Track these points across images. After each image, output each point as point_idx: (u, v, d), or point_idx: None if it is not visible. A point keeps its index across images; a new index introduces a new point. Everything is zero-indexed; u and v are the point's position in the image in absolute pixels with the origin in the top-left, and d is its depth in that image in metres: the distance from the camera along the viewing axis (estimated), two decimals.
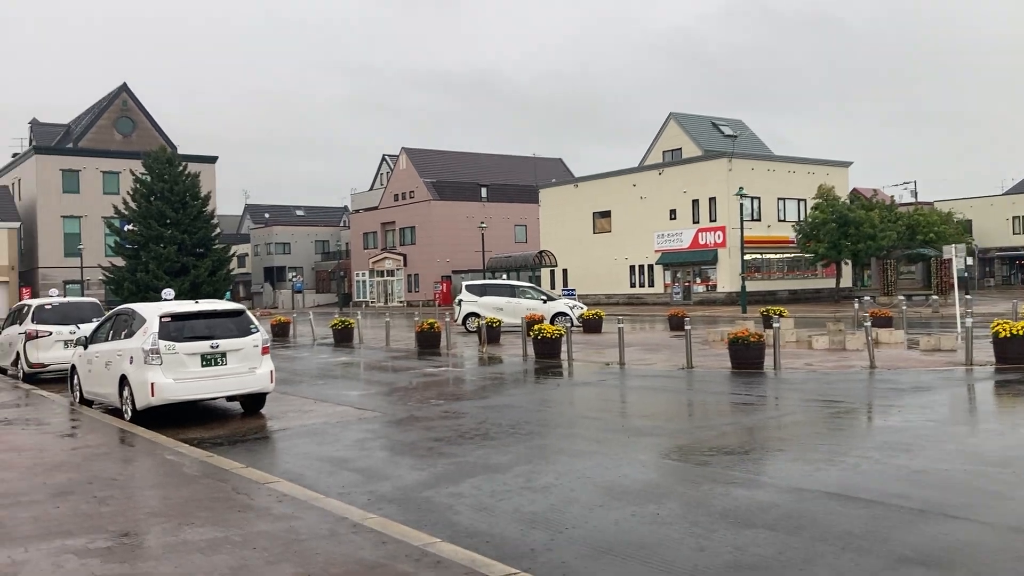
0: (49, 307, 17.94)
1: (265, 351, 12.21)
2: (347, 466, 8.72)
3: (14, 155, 79.86)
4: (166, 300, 12.99)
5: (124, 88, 75.00)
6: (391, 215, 76.07)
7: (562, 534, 6.07)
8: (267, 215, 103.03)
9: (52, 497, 7.03)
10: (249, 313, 12.38)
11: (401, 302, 72.85)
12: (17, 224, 69.88)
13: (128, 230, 55.25)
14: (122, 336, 12.22)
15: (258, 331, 12.19)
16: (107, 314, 13.34)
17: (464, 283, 29.64)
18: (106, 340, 12.73)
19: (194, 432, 11.04)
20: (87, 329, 17.94)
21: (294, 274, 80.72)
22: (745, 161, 49.54)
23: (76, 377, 13.82)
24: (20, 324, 18.04)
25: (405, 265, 73.49)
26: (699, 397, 13.37)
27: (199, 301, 12.34)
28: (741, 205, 40.76)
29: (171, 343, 11.43)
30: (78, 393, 13.75)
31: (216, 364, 11.68)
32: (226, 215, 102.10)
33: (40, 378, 17.65)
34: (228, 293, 56.96)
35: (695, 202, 49.84)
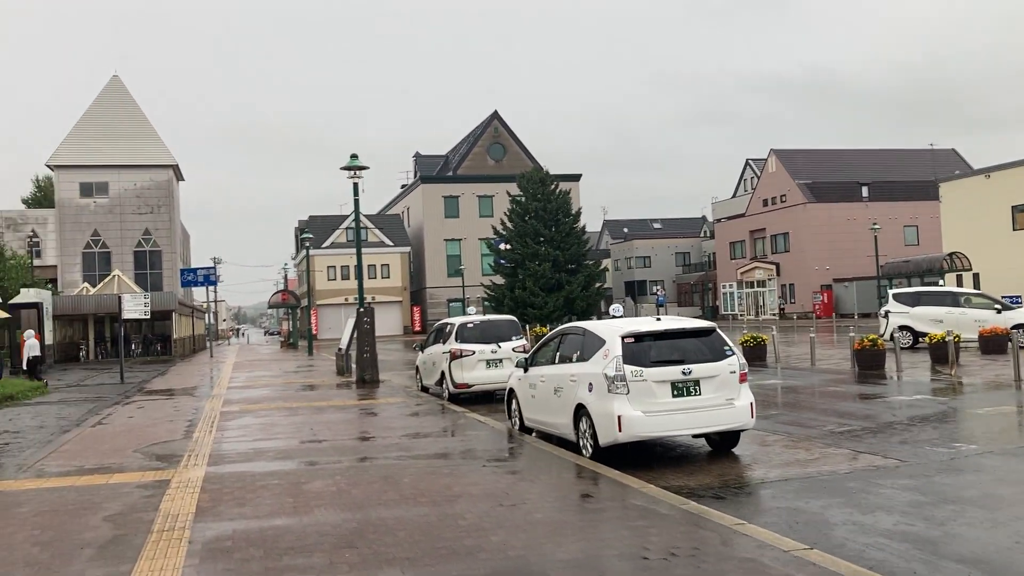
0: (471, 325, 17.41)
1: (743, 379, 9.96)
2: (941, 551, 6.07)
3: (402, 186, 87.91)
4: (615, 317, 11.29)
5: (495, 116, 79.16)
6: (760, 222, 71.92)
7: None
8: (625, 229, 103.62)
9: None
10: (721, 332, 10.22)
11: (774, 314, 68.33)
12: (408, 249, 76.39)
13: (504, 249, 57.34)
14: (572, 359, 10.67)
15: (734, 354, 9.98)
16: (550, 333, 11.99)
17: (891, 291, 25.57)
18: (552, 363, 11.31)
19: (671, 477, 9.07)
20: (507, 348, 17.21)
21: (657, 287, 79.53)
22: None
23: (515, 402, 12.66)
24: (443, 343, 17.73)
25: (778, 274, 68.92)
26: None
27: (660, 318, 10.44)
28: None
29: (637, 368, 9.58)
30: (517, 419, 12.56)
31: (688, 394, 9.65)
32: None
33: (462, 398, 17.13)
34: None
35: None
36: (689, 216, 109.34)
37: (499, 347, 17.09)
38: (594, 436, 9.84)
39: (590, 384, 9.96)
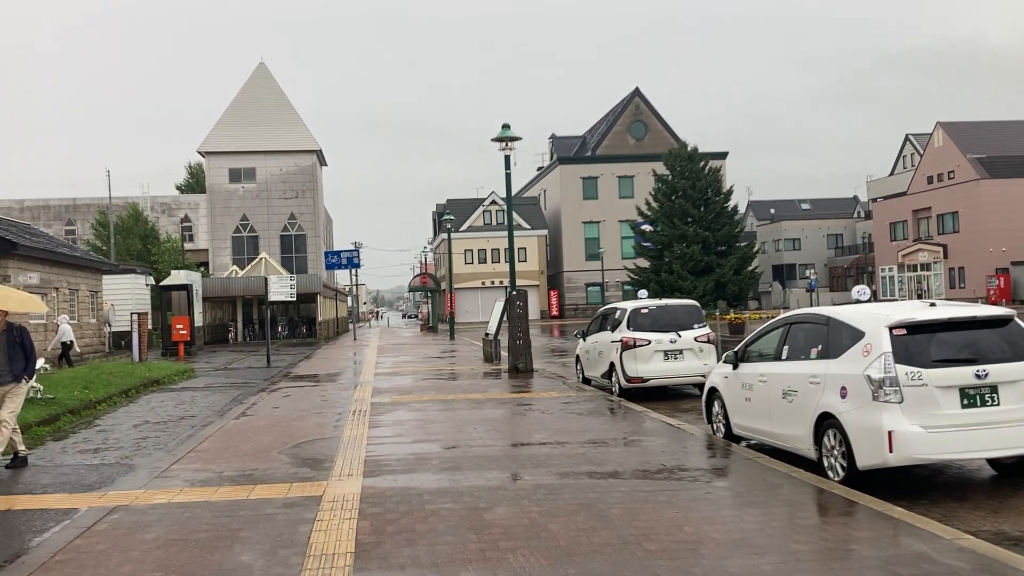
0: (645, 311, 15.27)
1: None
2: None
3: (538, 169, 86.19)
4: (860, 301, 8.93)
5: (636, 93, 76.18)
6: (924, 200, 66.19)
7: None
8: (772, 210, 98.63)
9: None
10: (1020, 321, 7.72)
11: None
12: (544, 232, 74.67)
13: (649, 231, 54.70)
14: (810, 355, 8.40)
15: None
16: (775, 320, 9.73)
17: None
18: (777, 358, 9.06)
19: (970, 516, 6.74)
20: (688, 337, 15.03)
21: (811, 270, 74.72)
22: None
23: (717, 403, 10.50)
24: (612, 330, 15.69)
25: (945, 257, 63.24)
26: None
27: (936, 303, 8.03)
28: None
29: (914, 369, 7.26)
30: (720, 425, 10.41)
31: (982, 403, 7.25)
32: None
33: (634, 393, 15.04)
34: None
35: None
36: (840, 196, 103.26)
37: (679, 336, 14.91)
38: (848, 456, 7.59)
39: (842, 388, 7.70)
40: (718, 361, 15.34)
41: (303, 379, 20.27)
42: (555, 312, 72.52)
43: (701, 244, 50.81)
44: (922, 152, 72.94)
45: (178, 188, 74.25)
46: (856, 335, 7.78)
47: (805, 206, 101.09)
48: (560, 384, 17.06)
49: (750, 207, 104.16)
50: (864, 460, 7.43)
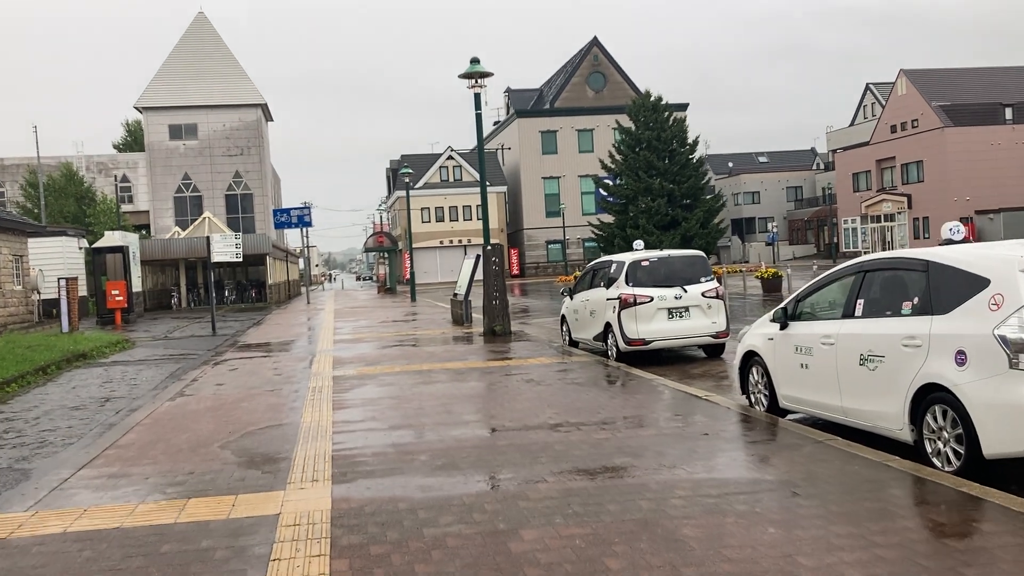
0: (646, 264, 13.38)
1: None
2: None
3: (495, 123, 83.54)
4: (952, 241, 7.11)
5: (595, 43, 73.86)
6: (888, 150, 65.28)
7: None
8: (730, 164, 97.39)
9: None
10: None
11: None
12: (504, 188, 72.44)
13: (613, 184, 52.87)
14: (901, 310, 6.60)
15: None
16: (840, 267, 7.88)
17: None
18: (849, 315, 7.25)
19: None
20: (695, 293, 13.24)
21: (774, 224, 73.80)
22: None
23: (756, 371, 8.71)
24: (607, 287, 13.81)
25: (909, 207, 62.52)
26: None
27: None
28: None
29: None
30: (762, 396, 8.62)
31: None
32: None
33: (632, 358, 13.23)
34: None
35: None
36: (798, 148, 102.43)
37: (684, 292, 13.09)
38: (968, 440, 5.81)
39: (959, 353, 5.90)
40: (727, 319, 13.69)
41: (253, 348, 18.13)
42: (516, 271, 70.69)
43: (667, 197, 49.15)
44: (884, 102, 72.00)
45: (115, 147, 70.34)
46: (975, 283, 5.97)
47: (763, 159, 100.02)
48: (546, 348, 15.20)
49: (708, 161, 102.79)
50: (994, 446, 5.67)
